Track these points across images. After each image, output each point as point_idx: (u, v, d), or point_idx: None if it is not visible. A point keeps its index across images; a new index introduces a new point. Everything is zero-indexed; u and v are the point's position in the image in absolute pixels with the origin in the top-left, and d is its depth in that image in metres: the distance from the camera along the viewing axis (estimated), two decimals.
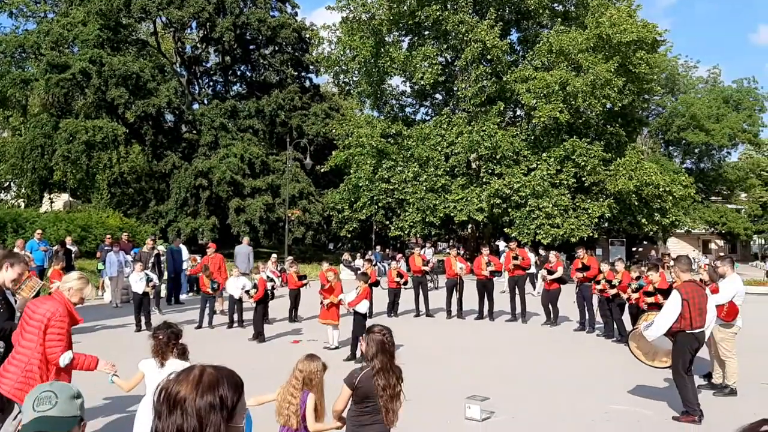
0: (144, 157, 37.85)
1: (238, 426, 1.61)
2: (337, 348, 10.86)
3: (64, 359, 4.61)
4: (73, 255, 18.03)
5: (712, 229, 48.26)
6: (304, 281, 14.53)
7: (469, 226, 32.08)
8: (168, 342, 4.50)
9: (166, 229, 32.54)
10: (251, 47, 38.65)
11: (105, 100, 31.51)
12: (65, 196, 39.53)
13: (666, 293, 8.68)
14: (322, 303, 11.15)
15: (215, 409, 1.55)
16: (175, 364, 4.43)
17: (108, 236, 18.92)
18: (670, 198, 27.93)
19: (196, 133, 36.68)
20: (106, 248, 17.52)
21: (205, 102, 38.32)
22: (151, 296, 13.54)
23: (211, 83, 41.82)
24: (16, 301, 5.35)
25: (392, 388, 4.03)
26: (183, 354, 4.56)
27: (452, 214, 27.66)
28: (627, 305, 12.15)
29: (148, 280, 13.25)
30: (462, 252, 21.83)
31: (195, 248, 30.04)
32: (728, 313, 8.09)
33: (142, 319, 12.76)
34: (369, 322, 11.03)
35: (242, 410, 1.63)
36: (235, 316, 13.31)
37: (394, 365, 4.15)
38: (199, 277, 13.63)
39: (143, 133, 35.31)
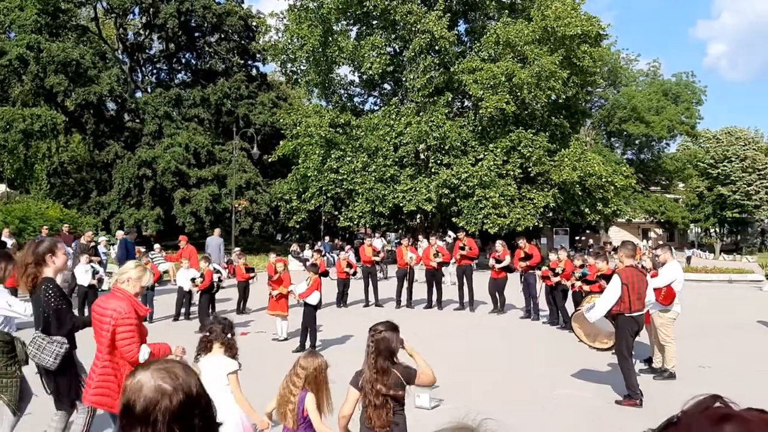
0: (85, 147, 36.77)
1: None
2: (286, 339, 10.82)
3: (144, 355, 4.40)
4: (9, 248, 17.40)
5: (652, 218, 49.79)
6: (252, 273, 14.40)
7: (418, 216, 32.26)
8: (217, 338, 4.41)
9: (109, 220, 31.75)
10: (196, 34, 37.87)
11: (43, 87, 30.45)
12: (2, 187, 38.03)
13: (609, 279, 8.92)
14: (270, 294, 11.07)
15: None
16: (220, 360, 4.36)
17: (44, 227, 18.35)
18: (612, 188, 28.64)
19: (139, 121, 35.82)
20: None
21: (149, 90, 37.46)
22: (98, 289, 13.20)
23: (155, 71, 40.86)
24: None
25: (380, 392, 3.85)
26: (231, 350, 4.44)
27: (401, 204, 27.75)
28: (570, 293, 12.44)
29: (94, 272, 12.93)
30: (417, 241, 21.87)
31: (139, 240, 29.41)
32: (665, 297, 8.37)
33: (86, 312, 12.44)
34: (320, 314, 11.03)
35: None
36: (182, 309, 13.12)
37: (391, 368, 3.93)
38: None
39: (84, 122, 34.30)
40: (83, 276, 12.55)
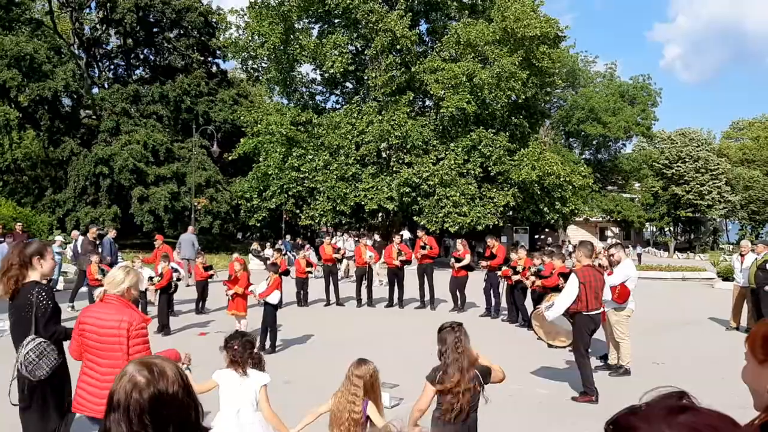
0: (39, 143, 35.92)
1: None
2: None
3: None
4: None
5: (609, 217, 50.73)
6: (211, 272, 14.26)
7: (380, 214, 32.30)
8: (245, 352, 4.25)
9: (64, 218, 31.09)
10: (155, 30, 37.29)
11: None
12: None
13: (566, 277, 9.08)
14: (227, 294, 10.98)
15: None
16: (254, 375, 4.24)
17: None
18: (570, 187, 29.09)
19: (95, 118, 35.14)
20: None
21: (106, 86, 36.75)
22: (56, 289, 12.92)
23: (112, 66, 40.12)
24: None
25: (464, 387, 4.00)
26: (259, 363, 4.32)
27: (363, 203, 27.75)
28: (529, 291, 12.61)
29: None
30: (377, 241, 21.94)
31: (95, 238, 28.82)
32: (620, 295, 8.55)
33: None
34: (279, 313, 10.97)
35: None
36: (138, 308, 12.89)
37: (470, 363, 4.10)
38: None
39: (38, 118, 33.49)
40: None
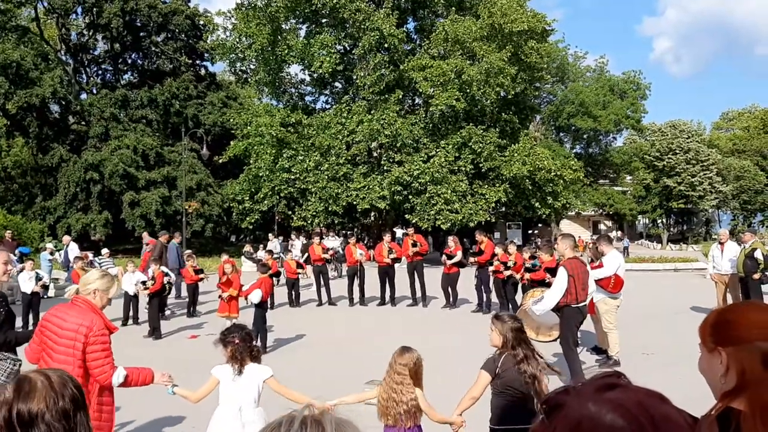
0: (28, 151, 35.79)
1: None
2: None
3: (118, 378, 3.93)
4: None
5: (601, 210, 50.85)
6: (202, 275, 14.22)
7: (372, 213, 32.28)
8: (245, 345, 4.15)
9: (55, 225, 30.98)
10: (142, 34, 37.15)
11: None
12: None
13: (553, 271, 9.10)
14: (220, 296, 10.96)
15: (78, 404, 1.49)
16: (253, 369, 4.17)
17: None
18: (561, 182, 29.16)
19: (84, 124, 35.01)
20: None
21: (94, 91, 36.59)
22: (43, 296, 12.88)
23: (100, 72, 39.93)
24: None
25: (539, 377, 4.07)
26: (257, 357, 4.24)
27: (355, 203, 27.73)
28: (520, 285, 12.63)
29: (38, 278, 12.62)
30: (365, 240, 21.95)
31: (87, 245, 28.76)
32: (615, 285, 8.58)
33: (31, 320, 12.13)
34: (269, 315, 10.96)
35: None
36: (131, 313, 12.88)
37: (535, 353, 4.18)
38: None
39: (27, 125, 33.34)
40: (26, 283, 12.22)
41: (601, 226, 54.58)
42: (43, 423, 1.46)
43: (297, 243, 22.53)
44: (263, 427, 1.02)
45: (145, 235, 17.97)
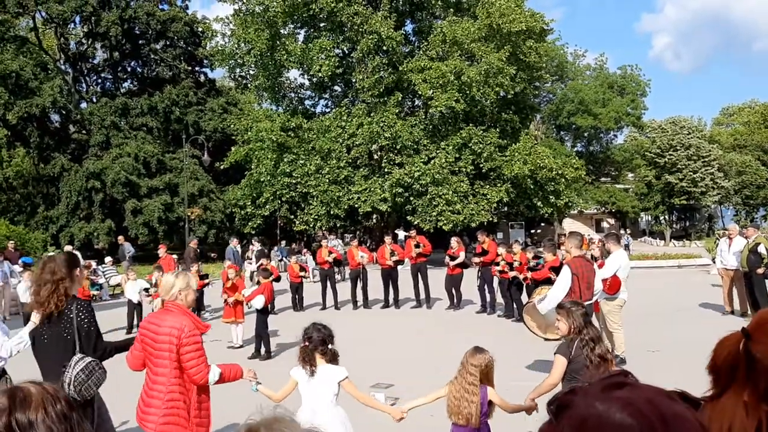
0: (30, 161, 35.86)
1: None
2: (241, 347, 10.71)
3: (213, 376, 4.02)
4: None
5: (603, 208, 50.76)
6: (206, 280, 14.23)
7: (374, 216, 32.27)
8: (316, 347, 4.17)
9: (58, 235, 31.02)
10: (140, 42, 37.22)
11: None
12: None
13: (558, 270, 9.08)
14: (226, 302, 10.97)
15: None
16: (326, 370, 4.18)
17: None
18: (563, 180, 29.11)
19: (85, 133, 35.08)
20: None
21: (94, 100, 36.65)
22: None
23: (100, 80, 40.00)
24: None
25: (609, 358, 4.18)
26: (334, 359, 4.25)
27: (356, 206, 27.73)
28: (524, 285, 12.62)
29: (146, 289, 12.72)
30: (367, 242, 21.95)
31: (90, 254, 28.79)
32: (611, 286, 8.55)
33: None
34: (271, 319, 10.95)
35: None
36: (135, 321, 12.88)
37: (601, 337, 4.32)
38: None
39: (27, 135, 33.40)
40: (25, 294, 12.24)
41: (604, 224, 54.48)
42: (43, 426, 1.46)
43: (255, 248, 22.47)
44: None
45: (161, 247, 18.05)
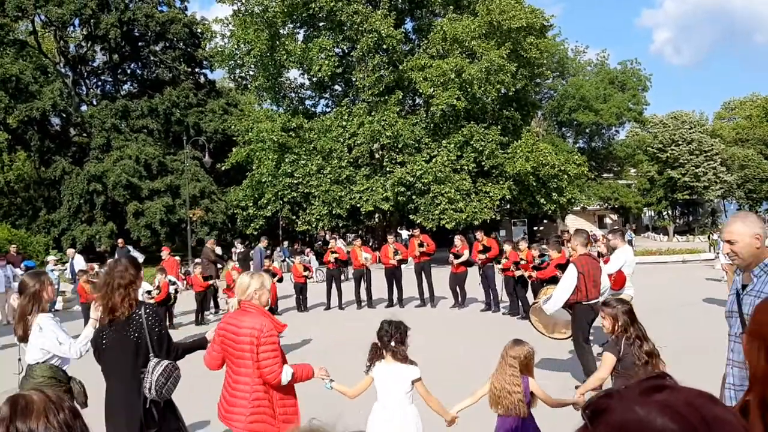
0: (31, 164, 35.84)
1: None
2: None
3: (286, 376, 4.06)
4: None
5: (606, 204, 50.67)
6: (210, 282, 14.18)
7: (376, 215, 32.21)
8: (389, 345, 4.20)
9: (60, 238, 31.01)
10: (140, 44, 37.19)
11: None
12: None
13: (564, 268, 9.00)
14: (228, 303, 10.92)
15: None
16: (399, 369, 4.19)
17: None
18: (566, 177, 29.04)
19: (86, 135, 35.05)
20: None
21: (94, 103, 36.63)
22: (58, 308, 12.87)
23: (100, 83, 39.98)
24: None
25: (656, 352, 4.26)
26: (406, 357, 4.25)
27: (358, 205, 27.69)
28: (530, 283, 12.53)
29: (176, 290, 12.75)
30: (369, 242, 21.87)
31: (93, 256, 28.76)
32: (616, 282, 8.47)
33: None
34: (280, 319, 10.86)
35: None
36: None
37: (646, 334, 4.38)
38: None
39: (28, 139, 33.39)
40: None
41: (607, 220, 54.37)
42: None
43: (237, 250, 22.42)
44: None
45: (165, 249, 18.05)
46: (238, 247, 22.83)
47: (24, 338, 4.40)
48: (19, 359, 4.62)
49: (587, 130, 52.16)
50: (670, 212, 55.49)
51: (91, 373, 4.53)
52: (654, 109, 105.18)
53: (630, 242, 36.39)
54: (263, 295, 4.22)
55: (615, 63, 59.22)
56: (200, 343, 4.63)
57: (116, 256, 20.35)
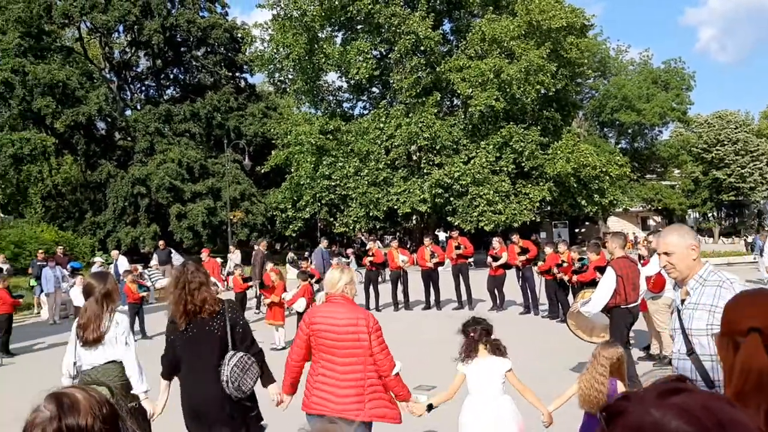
0: (77, 168, 36.77)
1: None
2: (284, 348, 10.71)
3: (398, 368, 4.15)
4: (4, 273, 17.32)
5: (649, 206, 49.73)
6: (250, 283, 14.34)
7: (414, 217, 32.20)
8: (480, 339, 4.31)
9: (105, 240, 31.73)
10: (182, 49, 37.89)
11: (31, 110, 30.46)
12: None
13: (603, 270, 8.86)
14: (267, 304, 11.04)
15: None
16: (491, 361, 4.30)
17: (40, 251, 18.30)
18: (607, 178, 28.63)
19: (130, 139, 35.83)
20: (39, 264, 16.94)
21: (138, 107, 37.42)
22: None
23: (143, 88, 40.86)
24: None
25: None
26: (497, 350, 4.35)
27: (396, 207, 27.73)
28: (570, 286, 12.35)
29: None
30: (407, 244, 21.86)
31: (137, 258, 29.34)
32: (655, 284, 8.30)
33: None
34: None
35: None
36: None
37: None
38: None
39: (75, 143, 34.28)
40: (79, 297, 12.48)
41: (650, 222, 53.34)
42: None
43: (235, 256, 22.38)
44: None
45: (204, 251, 18.37)
46: (236, 253, 22.71)
47: (96, 341, 4.32)
48: (75, 362, 4.56)
49: (630, 131, 51.25)
50: (715, 214, 54.16)
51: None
52: (698, 109, 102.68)
53: None
54: (353, 289, 4.27)
55: (658, 62, 57.82)
56: None
57: (156, 257, 20.80)
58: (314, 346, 4.13)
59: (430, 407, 4.34)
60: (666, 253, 3.11)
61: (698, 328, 2.97)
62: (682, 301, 3.13)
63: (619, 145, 50.98)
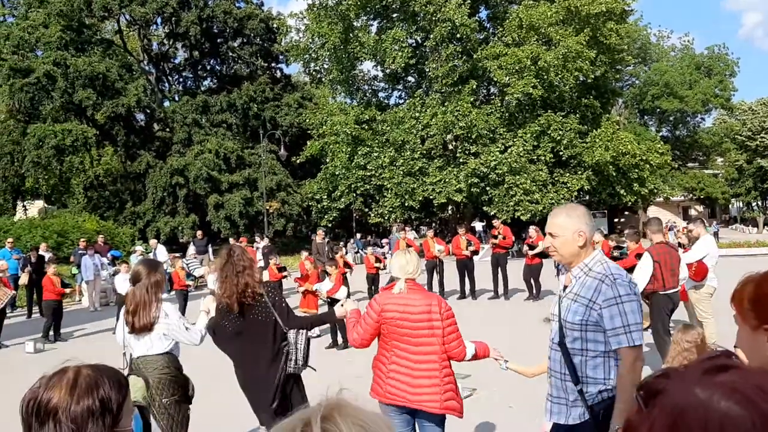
0: (117, 159, 37.37)
1: (125, 429, 1.45)
2: (318, 336, 10.72)
3: (471, 351, 4.05)
4: (47, 261, 17.71)
5: (691, 195, 48.64)
6: (284, 273, 14.38)
7: (449, 207, 31.98)
8: None
9: (145, 229, 32.19)
10: (219, 40, 38.14)
11: (72, 102, 30.97)
12: (39, 203, 38.97)
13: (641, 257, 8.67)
14: (303, 293, 11.08)
15: (95, 415, 1.37)
16: None
17: (82, 240, 18.64)
18: (647, 167, 28.05)
19: (168, 130, 36.24)
20: (80, 252, 17.24)
21: (176, 99, 37.81)
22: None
23: (181, 79, 41.26)
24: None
25: None
26: None
27: (431, 197, 27.56)
28: None
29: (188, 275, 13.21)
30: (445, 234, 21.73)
31: (176, 247, 29.75)
32: (696, 272, 8.06)
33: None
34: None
35: (128, 412, 1.46)
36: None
37: None
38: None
39: (115, 134, 34.79)
40: (123, 284, 12.66)
41: (692, 212, 52.18)
42: (53, 421, 1.36)
43: (262, 244, 22.22)
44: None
45: (243, 240, 18.57)
46: (261, 242, 22.62)
47: (145, 328, 4.27)
48: (124, 353, 4.56)
49: (671, 118, 50.11)
50: (759, 203, 52.74)
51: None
52: (742, 95, 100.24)
53: (716, 234, 34.92)
54: (418, 271, 4.16)
55: (701, 48, 56.46)
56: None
57: (193, 247, 21.04)
58: (385, 334, 4.00)
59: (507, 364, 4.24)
60: (551, 234, 2.90)
61: (573, 321, 2.82)
62: (565, 287, 2.96)
63: (660, 133, 49.86)
